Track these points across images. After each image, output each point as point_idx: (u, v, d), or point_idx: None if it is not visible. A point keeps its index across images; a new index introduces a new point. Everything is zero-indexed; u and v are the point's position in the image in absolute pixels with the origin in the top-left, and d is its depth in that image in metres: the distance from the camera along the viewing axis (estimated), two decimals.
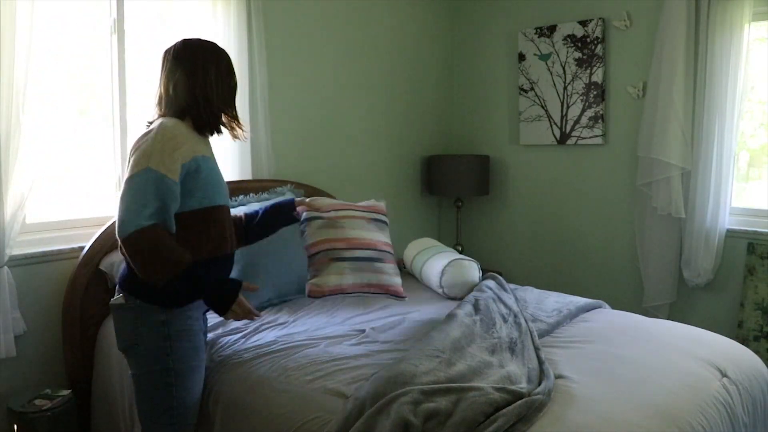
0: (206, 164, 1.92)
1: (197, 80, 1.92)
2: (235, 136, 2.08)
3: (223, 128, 2.03)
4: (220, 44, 3.02)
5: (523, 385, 1.85)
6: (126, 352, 1.92)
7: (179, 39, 2.01)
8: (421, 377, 1.85)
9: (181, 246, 1.83)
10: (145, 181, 1.77)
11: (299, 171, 3.54)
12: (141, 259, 1.76)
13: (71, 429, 2.40)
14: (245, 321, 2.52)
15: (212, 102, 1.94)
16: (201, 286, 1.86)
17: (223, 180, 2.04)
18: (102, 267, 2.61)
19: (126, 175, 1.83)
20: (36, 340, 2.58)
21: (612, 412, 1.74)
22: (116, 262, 2.57)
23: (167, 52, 1.98)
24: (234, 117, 2.04)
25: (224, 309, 1.91)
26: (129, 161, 1.85)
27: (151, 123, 1.94)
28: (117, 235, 1.77)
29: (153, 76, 2.96)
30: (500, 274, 3.04)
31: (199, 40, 2.02)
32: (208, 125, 1.97)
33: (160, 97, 1.96)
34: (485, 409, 1.68)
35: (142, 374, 1.90)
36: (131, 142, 3.01)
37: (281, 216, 2.30)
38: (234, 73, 2.04)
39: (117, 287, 1.94)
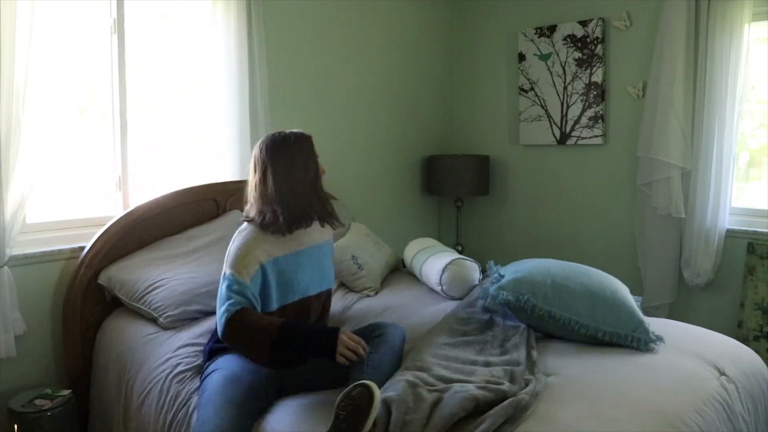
0: (274, 267, 2.06)
1: (276, 178, 2.08)
2: (333, 225, 2.24)
3: (317, 219, 2.18)
4: (221, 44, 3.07)
5: (504, 383, 1.83)
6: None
7: (267, 136, 2.15)
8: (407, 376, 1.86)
9: None
10: (226, 283, 1.99)
11: None
12: (239, 342, 1.92)
13: (71, 429, 2.40)
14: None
15: (286, 197, 2.08)
16: (301, 346, 1.90)
17: (300, 274, 2.13)
18: (100, 281, 2.59)
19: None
20: (36, 340, 2.58)
21: (604, 410, 1.73)
22: (113, 276, 2.56)
23: (259, 149, 2.13)
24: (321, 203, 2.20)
25: (331, 356, 1.88)
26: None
27: (247, 219, 2.11)
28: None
29: (153, 76, 2.99)
30: None
31: (281, 136, 2.14)
32: (278, 224, 2.05)
33: (250, 193, 2.13)
34: (465, 404, 1.68)
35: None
36: (131, 141, 3.01)
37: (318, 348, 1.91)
38: (311, 159, 2.21)
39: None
